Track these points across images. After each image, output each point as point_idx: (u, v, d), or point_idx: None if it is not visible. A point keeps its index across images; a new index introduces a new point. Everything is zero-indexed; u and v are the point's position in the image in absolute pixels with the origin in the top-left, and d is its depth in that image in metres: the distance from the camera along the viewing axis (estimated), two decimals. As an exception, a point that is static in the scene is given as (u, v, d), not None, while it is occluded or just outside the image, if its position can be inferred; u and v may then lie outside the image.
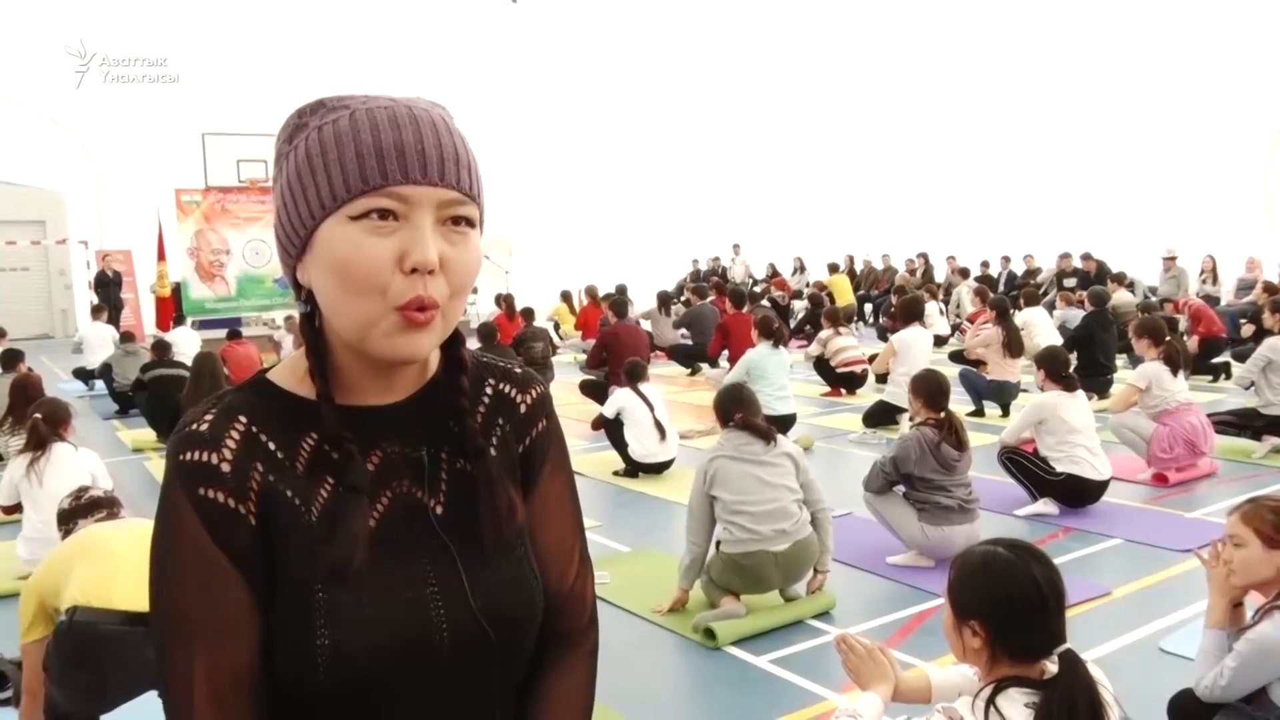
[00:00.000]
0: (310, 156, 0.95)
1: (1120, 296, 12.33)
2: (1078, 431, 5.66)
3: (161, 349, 9.81)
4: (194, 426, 0.98)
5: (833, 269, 18.99)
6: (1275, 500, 2.61)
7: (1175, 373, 6.48)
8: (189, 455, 0.96)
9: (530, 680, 1.14)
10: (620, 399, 7.06)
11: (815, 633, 4.15)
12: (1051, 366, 5.88)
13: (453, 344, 1.08)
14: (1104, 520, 5.57)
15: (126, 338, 11.43)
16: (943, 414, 4.91)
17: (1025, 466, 5.80)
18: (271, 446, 0.99)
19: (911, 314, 8.78)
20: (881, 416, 8.42)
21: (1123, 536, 5.29)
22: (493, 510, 1.05)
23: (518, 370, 1.18)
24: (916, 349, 8.40)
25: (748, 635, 4.10)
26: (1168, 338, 6.72)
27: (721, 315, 11.43)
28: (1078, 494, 5.69)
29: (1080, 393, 5.90)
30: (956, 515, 4.77)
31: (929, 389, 4.99)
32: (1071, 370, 6.04)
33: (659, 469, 7.04)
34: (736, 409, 4.43)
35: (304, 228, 0.96)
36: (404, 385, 1.06)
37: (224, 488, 0.96)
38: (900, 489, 4.94)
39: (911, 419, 5.23)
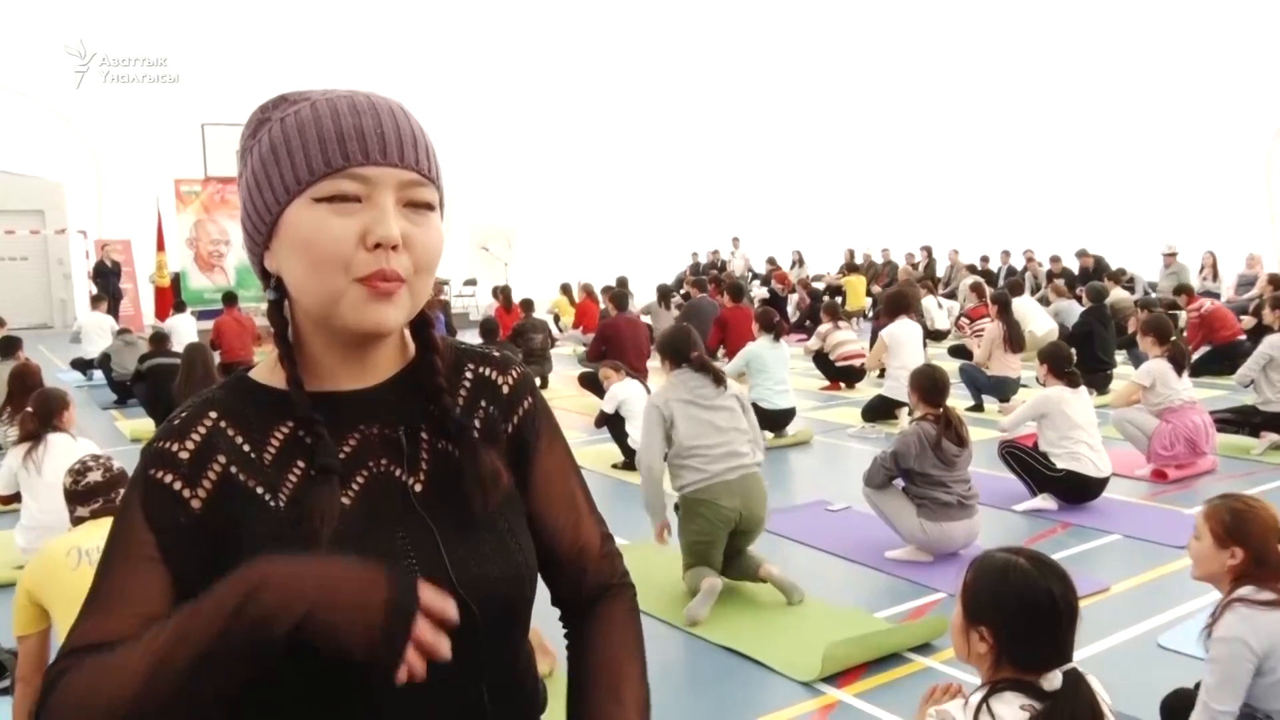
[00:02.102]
0: (274, 146, 0.99)
1: (1116, 294, 12.33)
2: (1079, 427, 5.66)
3: (159, 340, 9.80)
4: (172, 420, 1.03)
5: (851, 268, 18.98)
6: (1239, 501, 2.65)
7: (1179, 371, 6.48)
8: (158, 443, 1.02)
9: (581, 626, 1.20)
10: (618, 393, 7.04)
11: (813, 627, 4.14)
12: (1055, 362, 5.89)
13: (422, 326, 1.11)
14: (1103, 516, 5.57)
15: (124, 330, 11.46)
16: (941, 409, 4.91)
17: (1025, 461, 5.80)
18: (238, 441, 1.03)
19: (898, 307, 8.75)
20: (880, 411, 8.41)
21: (1121, 532, 5.29)
22: (477, 477, 1.06)
23: (495, 354, 1.20)
24: (907, 341, 8.40)
25: (855, 664, 3.70)
26: (1173, 337, 6.73)
27: (719, 309, 11.43)
28: (1078, 490, 5.69)
29: (1083, 389, 5.90)
30: (956, 511, 4.77)
31: (926, 384, 4.99)
32: (1074, 366, 6.05)
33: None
34: (690, 348, 4.50)
35: (270, 214, 1.00)
36: (380, 369, 1.09)
37: (175, 471, 1.00)
38: (900, 484, 4.94)
39: (911, 414, 5.23)
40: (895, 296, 9.09)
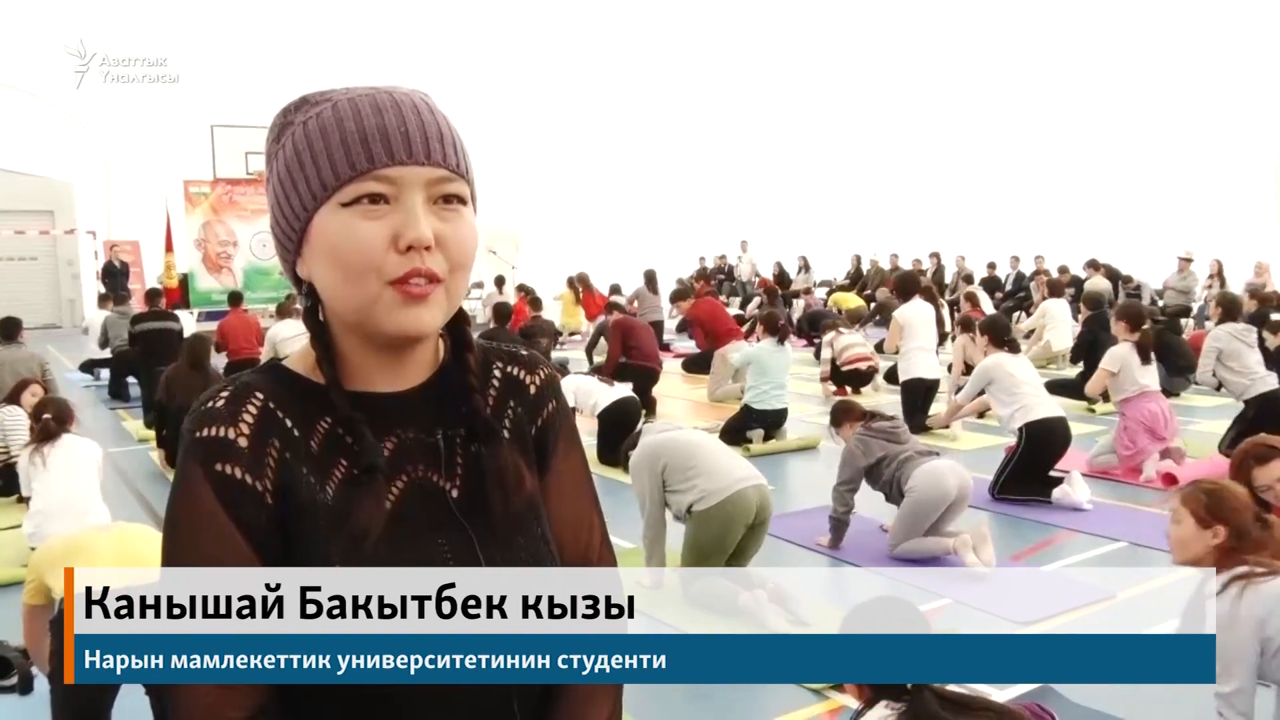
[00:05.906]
0: (298, 151, 0.97)
1: (1098, 284, 12.55)
2: (1024, 382, 6.14)
3: (153, 297, 9.93)
4: (210, 404, 0.99)
5: (853, 280, 19.19)
6: (1212, 483, 2.78)
7: (1145, 360, 6.54)
8: (205, 431, 0.97)
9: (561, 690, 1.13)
10: (568, 384, 7.11)
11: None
12: (994, 334, 6.46)
13: (457, 324, 1.08)
14: (1109, 523, 5.57)
15: (120, 300, 11.61)
16: (860, 417, 5.18)
17: (1014, 487, 5.92)
18: (288, 424, 1.00)
19: (909, 289, 8.77)
20: (912, 396, 8.26)
21: (1128, 539, 5.28)
22: (500, 483, 1.05)
23: (524, 353, 1.18)
24: (919, 322, 8.40)
25: None
26: (1144, 325, 6.77)
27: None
28: (1047, 443, 5.93)
29: (1023, 356, 6.42)
30: (921, 458, 4.90)
31: (843, 414, 5.34)
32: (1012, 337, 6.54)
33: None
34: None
35: (298, 221, 0.98)
36: (415, 373, 1.06)
37: (240, 463, 0.96)
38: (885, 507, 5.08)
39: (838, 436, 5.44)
40: (905, 277, 9.51)
